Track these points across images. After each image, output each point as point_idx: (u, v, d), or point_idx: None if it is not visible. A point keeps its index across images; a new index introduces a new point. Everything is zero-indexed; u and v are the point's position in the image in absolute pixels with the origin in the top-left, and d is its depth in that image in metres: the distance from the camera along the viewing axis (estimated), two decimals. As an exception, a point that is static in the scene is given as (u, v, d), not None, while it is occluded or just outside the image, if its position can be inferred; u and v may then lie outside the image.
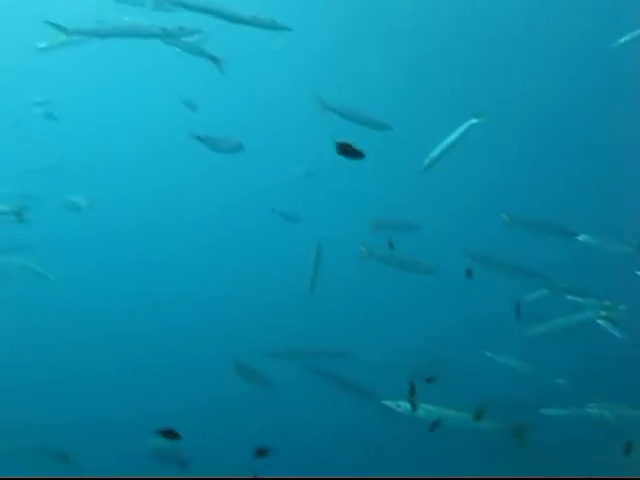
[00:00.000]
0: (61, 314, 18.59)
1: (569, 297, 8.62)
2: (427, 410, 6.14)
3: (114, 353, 18.05)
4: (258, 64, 20.36)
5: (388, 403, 6.25)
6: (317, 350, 9.44)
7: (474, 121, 7.94)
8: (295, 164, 12.62)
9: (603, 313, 7.62)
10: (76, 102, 24.47)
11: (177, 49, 9.02)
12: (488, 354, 9.40)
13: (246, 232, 24.96)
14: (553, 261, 9.56)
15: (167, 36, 7.39)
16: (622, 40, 11.12)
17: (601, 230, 9.03)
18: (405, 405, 6.12)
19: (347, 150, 5.25)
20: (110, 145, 23.42)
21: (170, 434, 5.68)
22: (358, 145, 5.20)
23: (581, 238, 8.58)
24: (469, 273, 7.34)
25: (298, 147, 21.28)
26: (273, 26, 6.66)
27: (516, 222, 8.18)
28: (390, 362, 10.02)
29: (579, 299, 8.62)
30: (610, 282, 9.08)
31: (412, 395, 5.82)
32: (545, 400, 9.06)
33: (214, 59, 7.95)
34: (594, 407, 6.81)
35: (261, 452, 5.54)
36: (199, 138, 8.35)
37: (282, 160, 14.30)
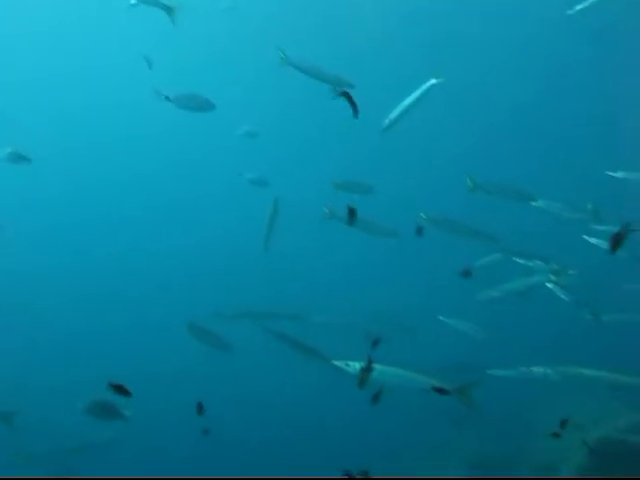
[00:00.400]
0: (13, 272, 18.19)
1: (520, 260, 8.72)
2: (377, 370, 6.15)
3: (68, 314, 17.81)
4: (210, 19, 19.83)
5: (338, 363, 6.21)
6: (271, 312, 9.39)
7: (433, 81, 7.85)
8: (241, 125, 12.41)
9: (553, 277, 7.70)
10: (27, 60, 23.69)
11: None
12: (441, 318, 9.50)
13: (206, 193, 24.75)
14: (510, 226, 9.68)
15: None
16: (578, 7, 11.12)
17: (559, 197, 9.13)
18: (354, 365, 6.13)
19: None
20: (63, 101, 22.76)
21: (121, 390, 5.60)
22: None
23: (538, 203, 8.64)
24: (419, 231, 7.31)
25: (258, 106, 21.00)
26: None
27: (477, 186, 8.17)
28: (344, 324, 10.08)
29: (530, 263, 8.75)
30: (563, 247, 9.26)
31: (368, 365, 5.84)
32: (494, 362, 9.32)
33: (167, 8, 7.62)
34: (540, 368, 6.95)
35: (200, 408, 5.52)
36: (167, 98, 8.02)
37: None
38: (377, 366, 6.12)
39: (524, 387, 12.19)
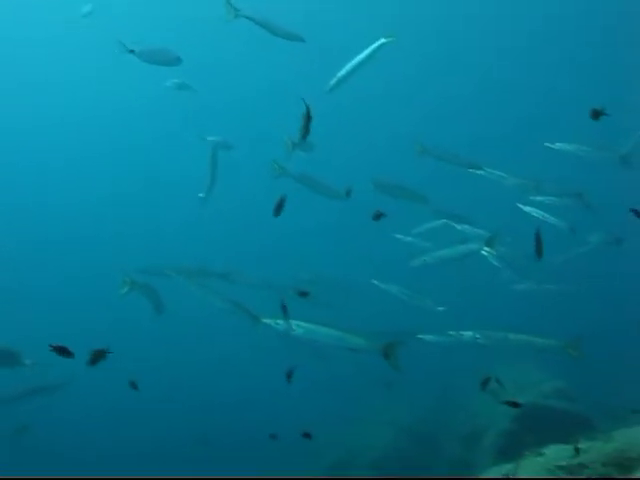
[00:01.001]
0: None
1: (458, 227, 8.75)
2: (304, 328, 6.09)
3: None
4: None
5: (267, 321, 6.16)
6: (201, 269, 9.17)
7: (383, 41, 7.68)
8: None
9: (487, 245, 7.73)
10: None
11: None
12: (375, 282, 9.52)
13: (149, 150, 24.16)
14: (448, 193, 9.69)
15: None
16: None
17: (504, 167, 9.16)
18: (283, 323, 6.08)
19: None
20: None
21: (63, 351, 5.40)
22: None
23: (483, 172, 8.65)
24: (377, 216, 7.17)
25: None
26: None
27: (426, 152, 8.10)
28: (275, 283, 9.97)
29: (467, 229, 8.80)
30: (501, 216, 9.35)
31: (284, 310, 5.77)
32: (425, 326, 9.43)
33: None
34: (469, 332, 7.00)
35: (99, 355, 5.36)
36: (133, 52, 7.77)
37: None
38: (305, 324, 6.08)
39: (454, 355, 12.50)
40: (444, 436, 14.04)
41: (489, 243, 7.84)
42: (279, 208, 6.48)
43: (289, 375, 6.52)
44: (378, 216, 7.04)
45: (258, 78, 21.77)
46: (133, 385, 6.56)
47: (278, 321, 6.18)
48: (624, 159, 8.24)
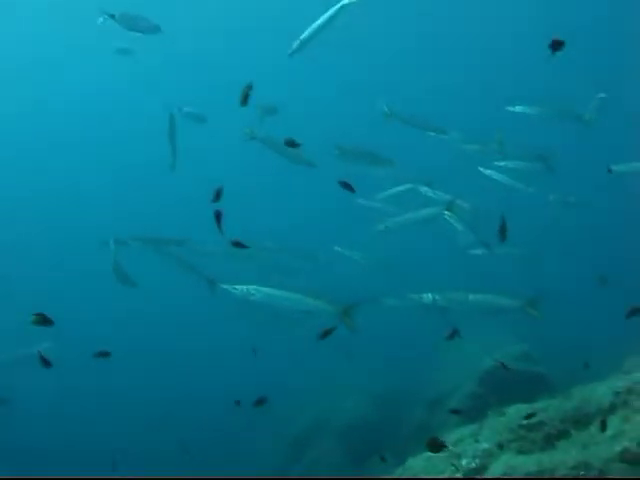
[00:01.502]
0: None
1: (422, 190, 8.70)
2: (263, 292, 6.03)
3: None
4: None
5: (225, 286, 6.17)
6: (160, 238, 8.99)
7: (345, 2, 7.45)
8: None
9: (448, 208, 7.69)
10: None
11: None
12: (337, 248, 9.48)
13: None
14: (413, 158, 9.61)
15: None
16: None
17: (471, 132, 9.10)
18: (242, 288, 6.00)
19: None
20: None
21: (45, 320, 5.35)
22: None
23: (448, 136, 8.58)
24: (346, 185, 7.01)
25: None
26: None
27: (393, 114, 7.96)
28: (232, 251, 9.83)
29: (431, 194, 8.77)
30: (465, 180, 9.33)
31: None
32: (387, 290, 9.45)
33: None
34: (429, 294, 7.00)
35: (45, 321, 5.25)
36: (113, 17, 7.64)
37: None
38: (264, 289, 6.04)
39: (418, 322, 12.60)
40: (410, 401, 14.20)
41: (450, 207, 7.78)
42: (217, 196, 6.36)
43: (254, 350, 6.51)
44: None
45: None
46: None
47: (236, 286, 6.18)
48: (584, 120, 8.24)
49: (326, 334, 6.50)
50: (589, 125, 8.40)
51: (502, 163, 9.07)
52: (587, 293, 14.76)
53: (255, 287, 6.10)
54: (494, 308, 6.67)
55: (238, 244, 5.82)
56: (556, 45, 5.05)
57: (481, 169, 8.71)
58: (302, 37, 7.53)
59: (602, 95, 8.44)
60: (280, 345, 13.68)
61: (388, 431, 13.48)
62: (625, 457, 5.42)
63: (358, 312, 6.04)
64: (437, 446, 5.28)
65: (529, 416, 6.17)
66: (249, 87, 6.05)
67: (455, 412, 9.83)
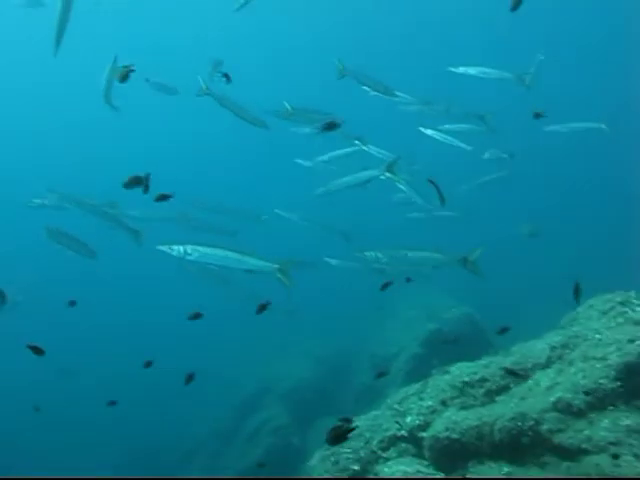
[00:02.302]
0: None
1: (368, 149, 8.65)
2: (200, 251, 5.95)
3: None
4: None
5: (162, 247, 6.08)
6: (89, 202, 8.72)
7: None
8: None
9: (387, 171, 7.65)
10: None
11: None
12: (277, 211, 9.40)
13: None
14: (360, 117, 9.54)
15: None
16: None
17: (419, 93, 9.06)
18: (178, 248, 6.00)
19: None
20: None
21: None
22: None
23: (398, 98, 8.53)
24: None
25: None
26: None
27: (347, 73, 7.80)
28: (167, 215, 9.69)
29: (379, 155, 8.75)
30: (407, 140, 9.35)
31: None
32: (329, 251, 9.54)
33: None
34: (371, 252, 7.03)
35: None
36: None
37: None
38: (201, 248, 5.98)
39: (365, 286, 12.74)
40: (355, 364, 14.41)
41: (389, 168, 7.74)
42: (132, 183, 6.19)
43: (194, 317, 6.46)
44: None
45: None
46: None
47: (172, 246, 6.09)
48: (524, 82, 8.33)
49: (262, 308, 6.53)
50: (529, 87, 8.52)
51: (447, 126, 9.10)
52: (523, 251, 15.25)
53: (192, 246, 6.02)
54: (433, 263, 6.74)
55: (163, 197, 5.65)
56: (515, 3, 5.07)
57: (422, 129, 8.72)
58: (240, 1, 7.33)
59: (541, 57, 8.55)
60: (227, 311, 13.65)
61: (334, 393, 13.68)
62: (558, 406, 5.64)
63: (295, 269, 6.04)
64: (340, 436, 5.25)
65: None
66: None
67: (381, 375, 10.08)
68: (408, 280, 6.90)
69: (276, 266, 6.07)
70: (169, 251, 6.03)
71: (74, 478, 10.88)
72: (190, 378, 6.94)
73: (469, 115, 8.89)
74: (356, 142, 8.41)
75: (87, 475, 11.09)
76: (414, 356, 12.60)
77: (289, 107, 8.22)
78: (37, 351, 5.65)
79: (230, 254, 6.01)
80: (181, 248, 6.01)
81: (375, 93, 8.10)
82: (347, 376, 14.14)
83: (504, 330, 7.02)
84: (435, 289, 14.52)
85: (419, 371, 12.06)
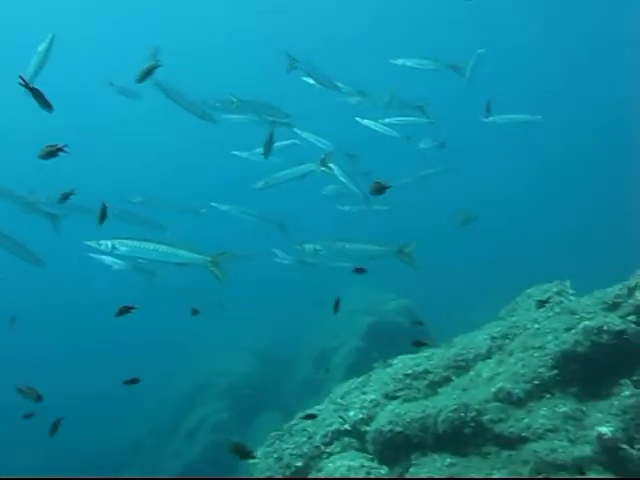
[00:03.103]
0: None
1: (305, 136, 8.59)
2: (129, 245, 5.88)
3: None
4: None
5: (89, 243, 5.99)
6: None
7: None
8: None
9: (322, 164, 7.64)
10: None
11: None
12: (213, 204, 9.25)
13: None
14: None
15: None
16: None
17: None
18: (106, 243, 5.88)
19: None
20: None
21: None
22: None
23: (341, 91, 8.48)
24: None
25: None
26: None
27: (297, 67, 7.68)
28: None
29: (319, 143, 8.72)
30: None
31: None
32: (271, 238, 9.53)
33: None
34: (310, 245, 6.96)
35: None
36: None
37: None
38: (130, 242, 5.85)
39: (305, 279, 12.69)
40: (295, 358, 14.35)
41: (324, 162, 7.72)
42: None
43: (123, 311, 6.21)
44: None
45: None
46: None
47: (100, 241, 5.94)
48: (459, 71, 8.40)
49: (195, 313, 6.39)
50: (469, 80, 8.61)
51: (389, 120, 9.11)
52: (458, 243, 15.55)
53: (120, 241, 5.86)
54: (369, 255, 6.73)
55: (66, 196, 5.42)
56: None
57: (358, 119, 8.69)
58: None
59: (481, 51, 8.66)
60: (165, 308, 13.38)
61: (275, 388, 13.58)
62: (499, 396, 5.70)
63: (231, 262, 5.92)
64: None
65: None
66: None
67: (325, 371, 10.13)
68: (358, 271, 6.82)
69: (208, 258, 5.91)
70: (97, 246, 5.89)
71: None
72: (133, 381, 6.68)
73: (408, 106, 8.91)
74: (295, 130, 8.32)
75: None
76: (354, 349, 12.62)
77: (235, 99, 8.11)
78: None
79: (160, 247, 5.85)
80: (109, 243, 5.87)
81: (320, 86, 8.05)
82: (288, 370, 14.07)
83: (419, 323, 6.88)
84: (376, 283, 14.61)
85: (360, 364, 12.11)
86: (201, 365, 14.61)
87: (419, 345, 6.60)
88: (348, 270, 10.67)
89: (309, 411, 6.88)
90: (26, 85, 4.56)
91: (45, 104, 4.70)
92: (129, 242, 5.84)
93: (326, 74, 8.11)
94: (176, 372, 14.63)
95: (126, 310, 6.04)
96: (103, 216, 5.78)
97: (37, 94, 4.63)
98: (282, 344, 15.21)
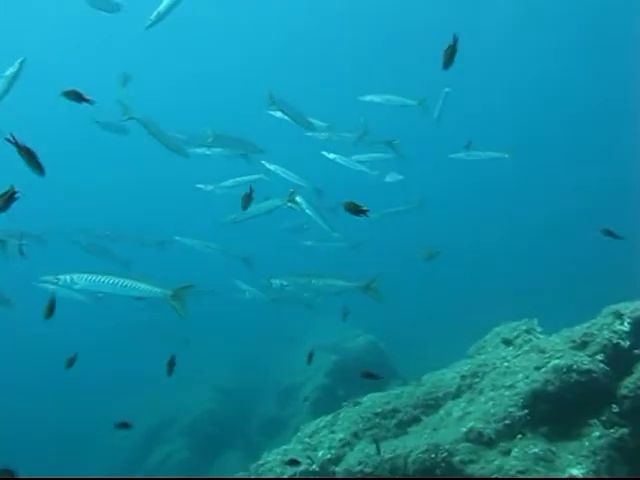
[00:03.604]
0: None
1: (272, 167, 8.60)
2: (86, 279, 5.71)
3: None
4: None
5: (47, 278, 5.87)
6: None
7: None
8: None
9: (289, 200, 7.64)
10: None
11: None
12: (177, 238, 9.13)
13: None
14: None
15: None
16: None
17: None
18: (64, 277, 5.73)
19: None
20: None
21: None
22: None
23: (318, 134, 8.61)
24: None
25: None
26: None
27: (275, 104, 7.71)
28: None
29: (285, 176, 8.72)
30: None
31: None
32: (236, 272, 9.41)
33: None
34: (277, 280, 6.89)
35: None
36: None
37: None
38: (87, 276, 5.71)
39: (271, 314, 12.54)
40: (260, 394, 14.08)
41: (291, 198, 7.74)
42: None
43: (70, 363, 6.04)
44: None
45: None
46: None
47: (58, 276, 5.77)
48: (426, 107, 8.49)
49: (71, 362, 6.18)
50: (438, 119, 8.72)
51: (359, 156, 9.17)
52: (426, 279, 15.59)
53: (78, 275, 5.69)
54: (336, 290, 6.68)
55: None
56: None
57: (324, 153, 8.72)
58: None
59: (447, 89, 8.79)
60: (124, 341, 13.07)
61: (237, 425, 13.26)
62: (470, 436, 5.64)
63: (189, 296, 5.76)
64: None
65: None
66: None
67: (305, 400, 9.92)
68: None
69: (169, 292, 5.73)
70: (55, 281, 5.72)
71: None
72: (124, 425, 6.41)
73: (378, 142, 8.97)
74: (263, 162, 8.34)
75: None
76: (320, 386, 12.46)
77: (211, 132, 8.15)
78: None
79: (119, 280, 5.68)
80: (67, 277, 5.70)
81: (297, 125, 8.11)
82: (252, 406, 13.77)
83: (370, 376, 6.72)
84: (339, 317, 14.47)
85: (325, 401, 11.98)
86: (165, 400, 14.20)
87: (369, 377, 6.43)
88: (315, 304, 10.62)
89: (276, 450, 6.69)
90: (17, 144, 4.01)
91: (37, 166, 4.12)
92: (87, 276, 5.68)
93: (300, 111, 8.16)
94: (140, 407, 14.18)
95: (72, 362, 5.91)
96: (50, 311, 5.49)
97: (29, 154, 4.09)
98: (247, 380, 14.91)
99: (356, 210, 5.46)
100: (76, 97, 4.78)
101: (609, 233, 6.32)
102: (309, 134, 8.65)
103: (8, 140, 3.98)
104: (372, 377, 6.15)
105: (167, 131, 7.55)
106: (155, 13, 6.97)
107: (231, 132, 8.25)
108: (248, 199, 6.39)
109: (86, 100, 4.80)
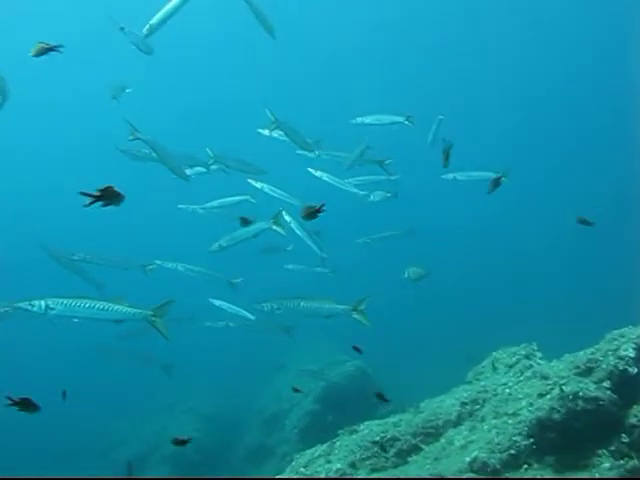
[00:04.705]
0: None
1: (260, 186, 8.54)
2: (63, 304, 5.50)
3: None
4: None
5: (21, 304, 5.56)
6: None
7: None
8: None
9: (274, 223, 7.57)
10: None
11: None
12: (158, 262, 8.95)
13: None
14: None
15: None
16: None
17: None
18: (39, 303, 5.51)
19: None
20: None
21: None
22: None
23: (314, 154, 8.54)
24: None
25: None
26: None
27: (278, 126, 7.73)
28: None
29: (286, 198, 8.67)
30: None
31: None
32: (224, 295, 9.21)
33: None
34: (267, 304, 6.71)
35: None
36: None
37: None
38: (63, 300, 5.49)
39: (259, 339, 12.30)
40: (245, 422, 13.75)
41: (276, 220, 7.67)
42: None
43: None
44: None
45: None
46: None
47: (33, 302, 5.53)
48: (413, 123, 8.49)
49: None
50: (431, 143, 8.67)
51: (353, 180, 9.12)
52: (419, 303, 15.44)
53: (53, 300, 5.48)
54: (326, 313, 6.54)
55: None
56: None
57: (311, 170, 8.64)
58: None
59: (441, 117, 8.75)
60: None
61: (223, 452, 12.91)
62: (474, 467, 5.43)
63: (168, 315, 5.58)
64: None
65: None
66: None
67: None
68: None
69: (149, 312, 5.56)
70: (29, 307, 5.47)
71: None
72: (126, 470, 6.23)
73: (369, 162, 8.91)
74: (250, 182, 8.30)
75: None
76: (308, 412, 12.18)
77: (211, 153, 8.20)
78: None
79: (96, 304, 5.49)
80: (42, 303, 5.48)
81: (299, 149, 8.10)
82: (237, 434, 13.43)
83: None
84: (328, 343, 14.28)
85: (314, 428, 11.71)
86: (148, 428, 13.82)
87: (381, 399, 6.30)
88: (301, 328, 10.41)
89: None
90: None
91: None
92: (63, 300, 5.46)
93: (298, 131, 8.14)
94: (123, 433, 13.80)
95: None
96: None
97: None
98: (231, 406, 14.58)
99: (313, 213, 5.32)
100: (44, 51, 4.71)
101: (583, 221, 6.46)
102: (300, 152, 8.58)
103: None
104: (382, 399, 6.07)
105: (173, 152, 7.48)
106: (148, 26, 6.90)
107: (231, 153, 8.19)
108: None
109: (52, 49, 4.72)
